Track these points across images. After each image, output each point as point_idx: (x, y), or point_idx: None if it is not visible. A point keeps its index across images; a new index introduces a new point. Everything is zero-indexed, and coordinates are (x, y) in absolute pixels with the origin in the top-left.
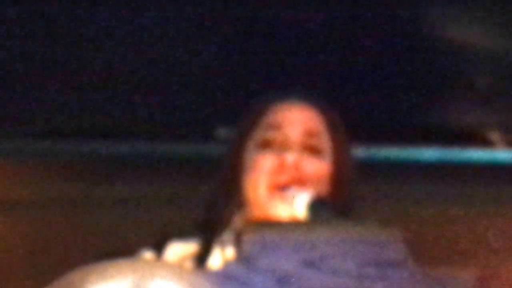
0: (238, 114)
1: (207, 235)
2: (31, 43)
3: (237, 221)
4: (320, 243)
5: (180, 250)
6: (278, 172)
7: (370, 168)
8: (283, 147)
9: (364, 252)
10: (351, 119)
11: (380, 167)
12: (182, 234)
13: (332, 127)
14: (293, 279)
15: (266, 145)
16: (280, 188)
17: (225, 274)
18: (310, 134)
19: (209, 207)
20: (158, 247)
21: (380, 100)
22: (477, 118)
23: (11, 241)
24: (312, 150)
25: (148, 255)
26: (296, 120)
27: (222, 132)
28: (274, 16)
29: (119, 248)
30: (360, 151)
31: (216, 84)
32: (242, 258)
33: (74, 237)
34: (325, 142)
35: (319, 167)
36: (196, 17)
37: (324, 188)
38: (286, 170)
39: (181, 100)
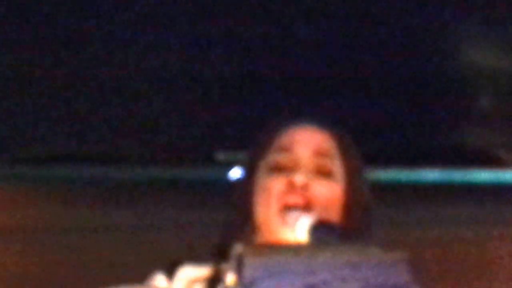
0: (238, 138)
1: (219, 259)
2: (28, 68)
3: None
4: (322, 267)
5: (191, 273)
6: (287, 193)
7: (374, 190)
8: (292, 168)
9: (366, 275)
10: (356, 142)
11: (385, 189)
12: (195, 258)
13: (344, 149)
14: None
15: (276, 168)
16: (288, 209)
17: None
18: (320, 154)
19: (224, 232)
20: (170, 270)
21: (385, 123)
22: (483, 138)
23: (12, 267)
24: (322, 171)
25: (161, 278)
26: (306, 141)
27: (222, 155)
28: (278, 42)
29: (124, 273)
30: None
31: (215, 109)
32: (243, 283)
33: (79, 263)
34: (336, 164)
35: (329, 190)
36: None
37: (334, 211)
38: (295, 191)
39: (180, 125)
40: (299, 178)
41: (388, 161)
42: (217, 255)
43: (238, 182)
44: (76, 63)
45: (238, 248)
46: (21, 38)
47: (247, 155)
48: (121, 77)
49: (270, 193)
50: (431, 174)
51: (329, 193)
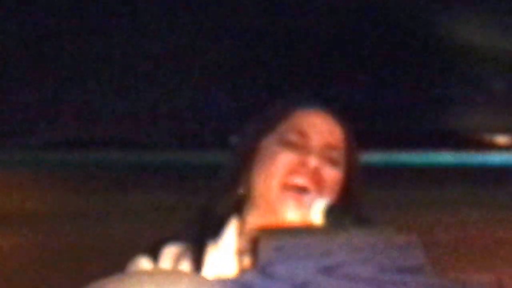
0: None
1: (201, 234)
2: (36, 51)
3: (248, 214)
4: (338, 250)
5: (177, 250)
6: (296, 172)
7: (384, 173)
8: (306, 150)
9: (382, 258)
10: (366, 125)
11: (395, 172)
12: (176, 236)
13: (349, 141)
14: (310, 287)
15: (288, 144)
16: (296, 190)
17: (241, 283)
18: (331, 147)
19: (205, 205)
20: (153, 252)
21: (395, 105)
22: (492, 121)
23: (17, 253)
24: (331, 161)
25: (144, 261)
26: (320, 130)
27: (237, 140)
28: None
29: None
30: (374, 157)
31: (228, 93)
32: (259, 265)
33: (85, 248)
34: (342, 155)
35: (335, 177)
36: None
37: (335, 197)
38: (307, 172)
39: (194, 109)
40: (313, 161)
41: (398, 144)
42: (197, 230)
43: (236, 149)
44: (86, 45)
45: (254, 231)
46: (22, 21)
47: (252, 123)
48: (130, 59)
49: (276, 165)
50: (441, 157)
51: (335, 180)
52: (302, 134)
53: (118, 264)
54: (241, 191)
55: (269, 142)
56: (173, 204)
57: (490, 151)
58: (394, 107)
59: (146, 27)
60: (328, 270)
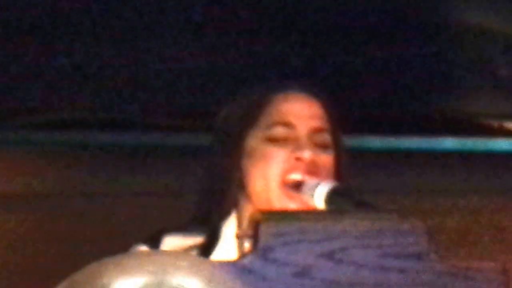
0: None
1: (210, 225)
2: (40, 32)
3: (247, 211)
4: (340, 235)
5: (178, 242)
6: (293, 169)
7: (389, 158)
8: (296, 143)
9: (385, 244)
10: (371, 109)
11: (399, 157)
12: (177, 226)
13: (334, 122)
14: (312, 271)
15: (276, 141)
16: (295, 185)
17: (242, 267)
18: (318, 131)
19: (206, 197)
20: (153, 241)
21: (400, 90)
22: (499, 107)
23: (19, 234)
24: (321, 146)
25: (143, 249)
26: (304, 116)
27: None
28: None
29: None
30: (380, 142)
31: (233, 75)
32: (259, 250)
33: (85, 229)
34: (329, 136)
35: (328, 161)
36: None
37: (331, 179)
38: (303, 166)
39: (195, 90)
40: (307, 154)
41: (405, 129)
42: (203, 221)
43: (220, 142)
44: (87, 23)
45: (254, 215)
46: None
47: (232, 115)
48: (128, 37)
49: (271, 166)
50: (446, 143)
51: (329, 164)
52: (287, 125)
53: (120, 245)
54: (235, 190)
55: (256, 141)
56: (179, 187)
57: (497, 136)
58: (398, 91)
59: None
60: (329, 255)
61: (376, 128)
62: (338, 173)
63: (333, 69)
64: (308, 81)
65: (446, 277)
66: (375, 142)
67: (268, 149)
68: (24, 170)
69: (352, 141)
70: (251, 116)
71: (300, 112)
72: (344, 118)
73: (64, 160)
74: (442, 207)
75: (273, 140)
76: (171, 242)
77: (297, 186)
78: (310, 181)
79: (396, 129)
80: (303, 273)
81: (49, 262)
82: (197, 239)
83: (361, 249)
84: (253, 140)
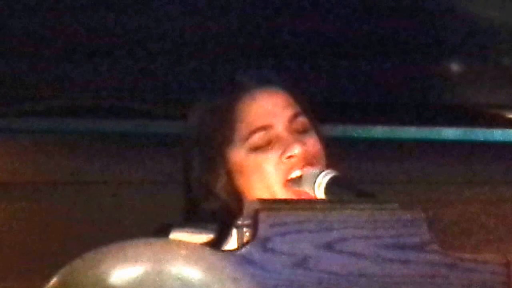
0: None
1: (222, 224)
2: (42, 17)
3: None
4: (340, 225)
5: (185, 239)
6: (290, 168)
7: (390, 147)
8: (281, 142)
9: (385, 234)
10: (371, 99)
11: (400, 147)
12: (185, 222)
13: (305, 105)
14: (311, 262)
15: (260, 148)
16: (298, 180)
17: (240, 256)
18: (295, 117)
19: (210, 217)
20: (160, 236)
21: (401, 80)
22: (499, 97)
23: (12, 222)
24: (302, 131)
25: None
26: (276, 111)
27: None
28: None
29: (132, 229)
30: (379, 132)
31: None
32: (258, 240)
33: (83, 217)
34: (307, 120)
35: (315, 143)
36: None
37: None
38: (297, 161)
39: (192, 79)
40: (297, 150)
41: (405, 119)
42: (213, 220)
43: (202, 157)
44: (88, 11)
45: (254, 204)
46: None
47: (205, 124)
48: (130, 22)
49: (266, 172)
50: (449, 133)
51: (317, 147)
52: (264, 128)
53: (118, 233)
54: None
55: (240, 156)
56: (179, 175)
57: (497, 127)
58: (399, 80)
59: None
60: (329, 246)
61: (376, 118)
62: (326, 156)
63: (334, 59)
64: (268, 72)
65: (447, 268)
66: (375, 132)
67: (257, 159)
68: (18, 158)
69: (352, 131)
70: (222, 129)
71: (271, 109)
72: (345, 108)
73: (59, 148)
74: (442, 197)
75: (257, 148)
76: (179, 238)
77: (299, 180)
78: (309, 171)
79: (396, 119)
80: (302, 263)
81: (44, 250)
82: (204, 237)
83: (361, 239)
84: (237, 156)
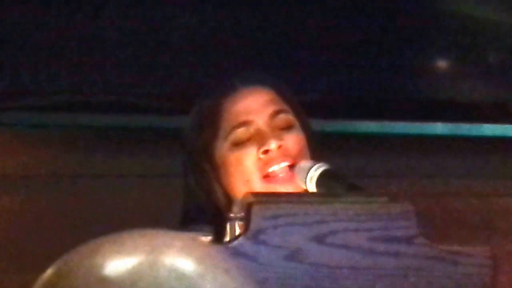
0: None
1: (215, 225)
2: (39, 14)
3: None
4: (331, 218)
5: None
6: (267, 163)
7: (380, 142)
8: (259, 137)
9: (375, 227)
10: (364, 95)
11: (390, 141)
12: (184, 222)
13: (293, 103)
14: (302, 254)
15: (240, 144)
16: (277, 175)
17: (233, 249)
18: (277, 114)
19: (190, 218)
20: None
21: (391, 75)
22: (489, 92)
23: (12, 215)
24: (285, 127)
25: None
26: (258, 108)
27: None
28: None
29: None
30: (371, 126)
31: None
32: (250, 232)
33: (83, 210)
34: (292, 117)
35: (297, 141)
36: None
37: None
38: (275, 156)
39: (194, 72)
40: (273, 144)
41: (399, 114)
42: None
43: (195, 162)
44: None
45: (246, 197)
46: None
47: (189, 138)
48: (128, 15)
49: (244, 167)
50: (437, 128)
51: (299, 144)
52: (245, 124)
53: (115, 226)
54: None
55: (223, 152)
56: (175, 170)
57: (487, 122)
58: (387, 76)
59: None
60: (320, 238)
61: (368, 113)
62: (312, 153)
63: (324, 55)
64: (255, 72)
65: (435, 261)
66: (367, 127)
67: (236, 154)
68: (18, 151)
69: (343, 126)
70: (209, 132)
71: (252, 106)
72: (337, 103)
73: (58, 142)
74: (432, 191)
75: (238, 144)
76: None
77: (279, 175)
78: (302, 164)
79: (388, 114)
80: (294, 256)
81: (43, 242)
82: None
83: (352, 232)
84: (220, 152)
